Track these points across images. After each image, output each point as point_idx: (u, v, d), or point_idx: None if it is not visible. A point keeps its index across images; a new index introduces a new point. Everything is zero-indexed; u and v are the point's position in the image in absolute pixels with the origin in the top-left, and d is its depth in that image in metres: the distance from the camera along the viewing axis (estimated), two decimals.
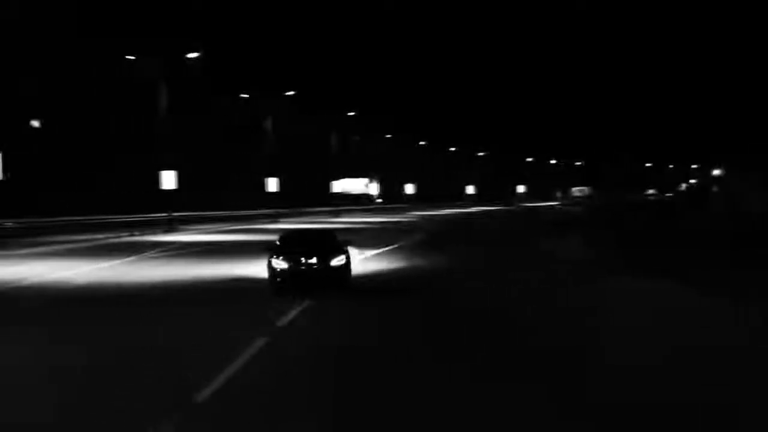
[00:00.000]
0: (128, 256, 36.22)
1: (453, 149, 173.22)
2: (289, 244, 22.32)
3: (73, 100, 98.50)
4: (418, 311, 19.52)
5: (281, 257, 21.45)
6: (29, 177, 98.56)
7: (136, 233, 58.18)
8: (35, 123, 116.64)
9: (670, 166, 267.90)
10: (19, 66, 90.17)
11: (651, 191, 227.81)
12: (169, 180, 67.45)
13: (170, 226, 63.66)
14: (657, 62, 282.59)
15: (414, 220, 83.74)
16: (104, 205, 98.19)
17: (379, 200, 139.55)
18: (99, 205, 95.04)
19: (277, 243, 22.66)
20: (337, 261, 21.58)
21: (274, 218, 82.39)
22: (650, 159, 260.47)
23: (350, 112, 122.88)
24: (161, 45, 79.54)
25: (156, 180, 69.52)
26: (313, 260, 21.26)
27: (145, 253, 37.69)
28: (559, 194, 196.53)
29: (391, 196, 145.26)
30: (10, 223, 48.65)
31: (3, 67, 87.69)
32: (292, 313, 18.58)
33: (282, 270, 21.24)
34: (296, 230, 26.80)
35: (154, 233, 59.32)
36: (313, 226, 42.86)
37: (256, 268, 25.93)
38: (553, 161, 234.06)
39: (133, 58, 69.73)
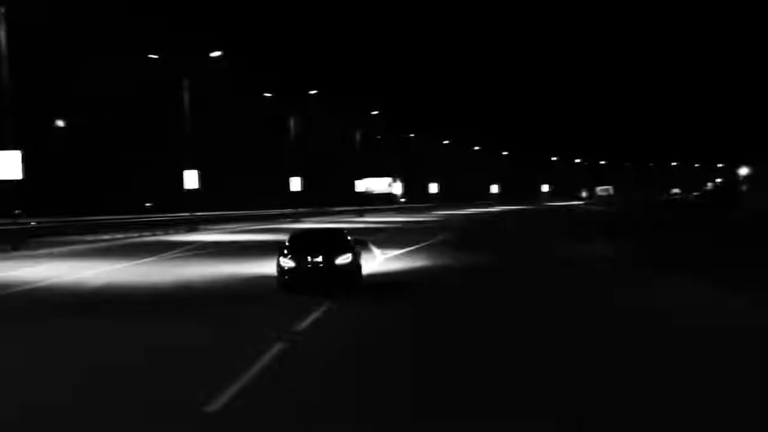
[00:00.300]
0: (148, 256, 35.92)
1: (477, 148, 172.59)
2: (297, 244, 22.83)
3: (97, 100, 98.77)
4: (456, 315, 18.84)
5: (289, 256, 21.99)
6: (53, 176, 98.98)
7: (159, 233, 58.00)
8: (60, 122, 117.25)
9: (696, 165, 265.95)
10: (44, 65, 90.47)
11: (676, 190, 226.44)
12: (191, 180, 67.13)
13: (192, 226, 63.39)
14: (682, 62, 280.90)
15: (438, 219, 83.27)
16: (127, 205, 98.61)
17: (403, 199, 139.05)
18: (122, 205, 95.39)
19: (287, 243, 23.13)
20: (343, 259, 21.92)
21: (297, 218, 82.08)
22: (675, 158, 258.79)
23: (374, 111, 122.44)
24: (185, 44, 79.43)
25: (181, 180, 69.06)
26: (319, 258, 21.76)
27: (165, 254, 37.37)
28: (584, 193, 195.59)
29: (415, 196, 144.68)
30: (33, 222, 48.51)
31: (28, 66, 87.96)
32: (314, 314, 18.16)
33: (289, 268, 21.80)
34: (305, 230, 27.55)
35: (177, 233, 59.18)
36: (326, 225, 42.95)
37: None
38: (577, 160, 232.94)
39: (156, 57, 69.47)
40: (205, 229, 63.66)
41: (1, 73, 43.98)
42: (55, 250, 40.83)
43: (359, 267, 22.82)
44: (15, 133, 44.75)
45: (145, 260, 33.74)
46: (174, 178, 72.40)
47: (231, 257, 34.87)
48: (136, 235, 55.43)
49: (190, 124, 68.59)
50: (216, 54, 70.20)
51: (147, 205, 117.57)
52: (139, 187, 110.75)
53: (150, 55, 70.23)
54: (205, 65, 74.50)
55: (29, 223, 47.11)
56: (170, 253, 38.05)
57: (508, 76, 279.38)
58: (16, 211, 46.79)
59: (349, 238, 23.74)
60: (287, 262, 21.82)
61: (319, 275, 21.66)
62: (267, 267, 28.27)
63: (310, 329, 16.55)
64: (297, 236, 23.95)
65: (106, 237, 52.61)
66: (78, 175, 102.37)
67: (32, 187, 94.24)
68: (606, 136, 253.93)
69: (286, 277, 21.85)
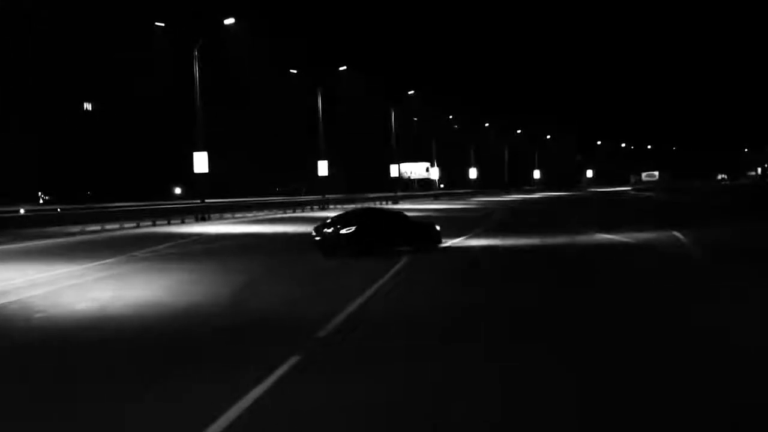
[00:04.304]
0: (118, 254, 28.07)
1: (519, 131, 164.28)
2: (330, 219, 28.62)
3: (113, 81, 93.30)
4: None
5: (316, 228, 27.99)
6: (83, 161, 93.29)
7: (160, 222, 50.08)
8: (87, 105, 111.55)
9: (745, 150, 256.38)
10: (65, 49, 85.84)
11: (722, 176, 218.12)
12: (201, 163, 58.77)
13: (202, 215, 55.32)
14: (728, 45, 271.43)
15: (480, 207, 75.09)
16: (159, 191, 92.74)
17: (441, 185, 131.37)
18: (153, 191, 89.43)
19: (325, 219, 29.48)
20: (346, 230, 26.72)
21: (324, 205, 74.02)
22: (724, 142, 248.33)
23: (410, 91, 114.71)
24: (197, 12, 72.28)
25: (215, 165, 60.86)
26: (331, 230, 27.08)
27: (142, 251, 29.53)
28: (633, 179, 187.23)
29: (454, 181, 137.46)
30: (22, 211, 41.23)
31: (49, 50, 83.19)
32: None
33: (313, 236, 27.66)
34: (346, 211, 32.20)
35: (183, 222, 51.44)
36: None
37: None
38: (622, 144, 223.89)
39: (162, 25, 61.70)
40: (218, 218, 55.85)
41: None
42: (13, 246, 33.28)
43: (367, 237, 26.61)
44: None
45: (105, 261, 25.79)
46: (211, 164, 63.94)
47: (227, 257, 27.11)
48: (132, 225, 47.75)
49: (204, 103, 60.69)
50: (229, 21, 61.86)
51: (177, 191, 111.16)
52: (178, 174, 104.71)
53: (157, 23, 62.60)
54: (220, 34, 66.89)
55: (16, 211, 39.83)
56: (148, 250, 30.19)
57: (549, 57, 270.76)
58: (44, 198, 40.54)
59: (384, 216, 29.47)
60: (313, 232, 27.93)
61: (325, 240, 26.93)
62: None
63: None
64: (336, 215, 29.92)
65: (94, 228, 44.99)
66: (115, 160, 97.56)
67: (57, 174, 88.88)
68: (651, 118, 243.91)
69: (314, 241, 27.31)
